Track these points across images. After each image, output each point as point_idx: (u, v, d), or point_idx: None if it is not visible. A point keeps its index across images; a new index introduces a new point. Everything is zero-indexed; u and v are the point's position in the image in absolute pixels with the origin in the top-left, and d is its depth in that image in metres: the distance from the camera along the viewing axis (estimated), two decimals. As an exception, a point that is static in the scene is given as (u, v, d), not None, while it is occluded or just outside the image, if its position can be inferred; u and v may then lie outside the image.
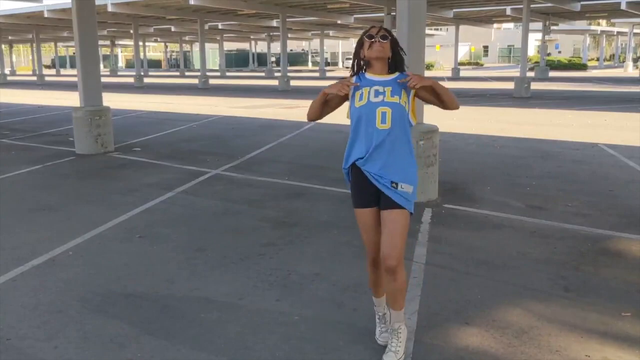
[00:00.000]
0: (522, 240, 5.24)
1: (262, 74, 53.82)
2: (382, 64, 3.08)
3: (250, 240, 5.32)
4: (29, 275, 4.54)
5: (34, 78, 46.30)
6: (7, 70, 56.83)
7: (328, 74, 47.13)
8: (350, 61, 3.21)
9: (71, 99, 18.85)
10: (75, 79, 10.64)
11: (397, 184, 3.01)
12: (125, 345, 3.38)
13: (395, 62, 3.13)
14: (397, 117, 2.99)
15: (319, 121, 3.23)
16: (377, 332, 3.38)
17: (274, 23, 37.28)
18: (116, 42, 64.38)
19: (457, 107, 3.11)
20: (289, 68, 40.46)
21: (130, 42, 55.95)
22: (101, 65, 74.59)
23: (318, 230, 5.54)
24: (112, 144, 10.62)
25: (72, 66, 77.34)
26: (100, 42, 60.76)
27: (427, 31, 49.50)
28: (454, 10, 32.57)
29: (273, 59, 63.50)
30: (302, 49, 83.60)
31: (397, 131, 2.99)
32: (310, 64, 79.55)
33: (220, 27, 43.00)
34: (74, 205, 6.74)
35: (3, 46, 55.72)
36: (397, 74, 3.11)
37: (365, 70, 3.15)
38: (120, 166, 9.16)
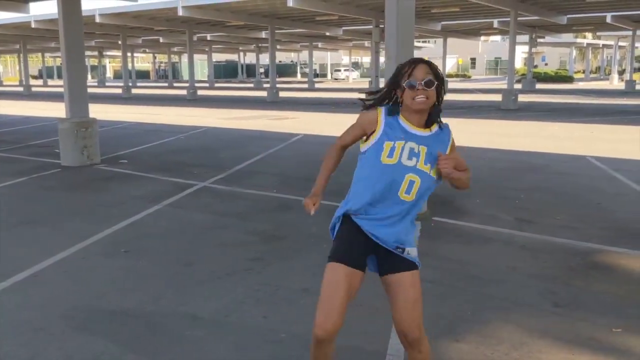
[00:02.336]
0: (511, 254, 5.21)
1: (251, 85, 53.83)
2: (421, 115, 2.52)
3: (237, 254, 5.25)
4: (10, 291, 4.44)
5: (21, 88, 45.97)
6: (-7, 81, 56.42)
7: (317, 85, 47.19)
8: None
9: (58, 110, 18.70)
10: (62, 89, 10.55)
11: (403, 249, 2.53)
12: (109, 365, 3.30)
13: (437, 109, 2.55)
14: (423, 189, 2.48)
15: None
16: None
17: (263, 34, 37.40)
18: (104, 53, 64.17)
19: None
20: (278, 79, 40.48)
21: (119, 53, 55.76)
22: (89, 76, 74.67)
23: (307, 244, 5.48)
24: (99, 156, 10.52)
25: (60, 77, 76.94)
26: (88, 53, 60.56)
27: (415, 43, 49.77)
28: (442, 22, 32.81)
29: (262, 70, 63.61)
30: (291, 60, 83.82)
31: (418, 203, 2.51)
32: (299, 75, 79.72)
33: (209, 38, 43.03)
34: (59, 219, 6.63)
35: (-10, 56, 55.35)
36: (436, 127, 2.56)
37: (398, 112, 2.54)
38: (106, 178, 9.06)
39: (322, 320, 2.41)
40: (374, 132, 2.52)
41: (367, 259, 2.59)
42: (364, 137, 2.58)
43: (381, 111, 2.55)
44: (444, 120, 2.63)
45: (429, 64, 2.50)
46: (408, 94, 2.45)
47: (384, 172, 2.44)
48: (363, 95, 2.73)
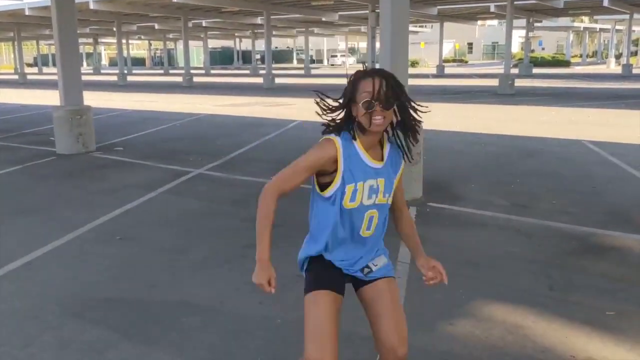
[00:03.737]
0: (507, 239, 5.22)
1: (247, 72, 53.62)
2: (380, 135, 2.26)
3: (233, 241, 5.25)
4: (5, 279, 4.44)
5: (16, 76, 45.71)
6: (-12, 69, 56.02)
7: (313, 72, 47.00)
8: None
9: (53, 98, 18.64)
10: (57, 77, 10.49)
11: (368, 267, 2.35)
12: (104, 352, 3.30)
13: (407, 128, 2.28)
14: (381, 219, 2.32)
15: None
16: None
17: (259, 20, 37.13)
18: (99, 40, 63.73)
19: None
20: (274, 65, 40.32)
21: (114, 40, 55.40)
22: (84, 64, 74.15)
23: (302, 231, 5.43)
24: (94, 144, 10.47)
25: (55, 64, 76.37)
26: (83, 40, 60.18)
27: (412, 28, 49.60)
28: (438, 7, 32.62)
29: (258, 56, 63.31)
30: (287, 47, 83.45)
31: (378, 230, 2.34)
32: (295, 61, 79.44)
33: (204, 24, 42.77)
34: (54, 207, 6.62)
35: (-17, 44, 54.96)
36: (388, 147, 2.30)
37: (354, 136, 2.23)
38: (101, 166, 9.04)
39: (318, 356, 2.14)
40: (334, 171, 2.19)
41: (343, 280, 2.38)
42: (320, 175, 2.26)
43: (339, 145, 2.18)
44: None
45: (388, 78, 2.16)
46: (363, 113, 2.14)
47: (346, 217, 2.25)
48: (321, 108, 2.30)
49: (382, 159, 2.27)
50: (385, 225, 2.38)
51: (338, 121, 2.24)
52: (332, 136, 2.20)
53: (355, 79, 2.19)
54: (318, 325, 2.20)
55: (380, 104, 2.12)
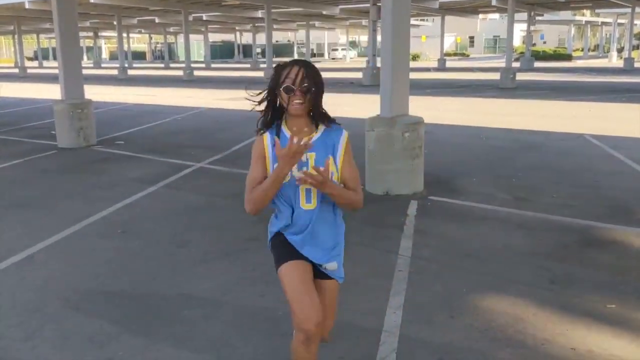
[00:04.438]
0: (507, 232, 5.22)
1: (248, 66, 53.51)
2: (303, 118, 2.43)
3: (233, 235, 5.25)
4: (7, 273, 4.45)
5: (16, 70, 45.65)
6: (-12, 63, 55.88)
7: (314, 65, 46.67)
8: (277, 88, 2.36)
9: (54, 92, 18.62)
10: (58, 71, 10.48)
11: (322, 265, 2.53)
12: (105, 344, 3.31)
13: (317, 114, 2.44)
14: (322, 194, 2.40)
15: None
16: None
17: (259, 14, 37.02)
18: (99, 34, 63.62)
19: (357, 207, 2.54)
20: (275, 59, 40.20)
21: (114, 34, 55.25)
22: (85, 57, 73.95)
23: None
24: (95, 138, 10.47)
25: (55, 58, 76.06)
26: (83, 34, 60.04)
27: (413, 22, 49.46)
28: (440, 0, 32.51)
29: (258, 50, 63.16)
30: (288, 40, 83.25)
31: (323, 207, 2.45)
32: (296, 55, 79.16)
33: (204, 18, 42.63)
34: (55, 201, 6.62)
35: (-16, 38, 54.82)
36: (322, 130, 2.45)
37: (282, 122, 2.47)
38: (102, 160, 9.04)
39: (307, 317, 2.36)
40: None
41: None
42: None
43: (265, 137, 2.45)
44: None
45: (307, 67, 2.39)
46: (285, 97, 2.37)
47: (284, 191, 2.42)
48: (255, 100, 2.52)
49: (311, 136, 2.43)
50: (338, 211, 2.53)
51: (263, 117, 2.48)
52: (261, 133, 2.47)
53: (278, 69, 2.44)
54: (296, 290, 2.41)
55: (298, 88, 2.35)
